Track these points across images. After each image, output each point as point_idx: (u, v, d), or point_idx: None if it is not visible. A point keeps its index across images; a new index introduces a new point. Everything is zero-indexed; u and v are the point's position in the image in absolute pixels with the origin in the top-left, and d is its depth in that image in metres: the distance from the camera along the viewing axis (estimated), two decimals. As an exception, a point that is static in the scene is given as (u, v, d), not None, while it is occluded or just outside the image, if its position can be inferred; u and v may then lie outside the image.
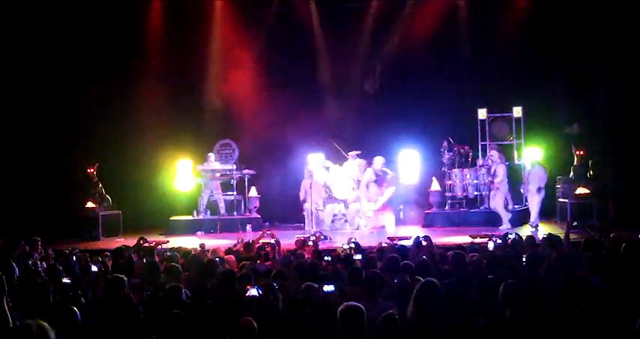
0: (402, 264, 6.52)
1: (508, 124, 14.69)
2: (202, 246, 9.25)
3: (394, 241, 9.22)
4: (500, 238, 8.79)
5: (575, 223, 8.28)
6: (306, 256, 8.17)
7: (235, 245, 9.68)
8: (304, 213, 14.17)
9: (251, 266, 7.18)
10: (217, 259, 7.57)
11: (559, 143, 14.31)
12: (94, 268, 6.89)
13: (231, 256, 8.21)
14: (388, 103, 15.42)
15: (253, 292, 5.07)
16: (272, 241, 9.02)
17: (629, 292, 4.94)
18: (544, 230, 11.96)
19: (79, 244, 11.77)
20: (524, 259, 6.74)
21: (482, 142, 14.71)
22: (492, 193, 13.40)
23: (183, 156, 14.99)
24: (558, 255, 6.62)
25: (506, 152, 14.56)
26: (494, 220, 13.49)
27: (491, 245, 7.66)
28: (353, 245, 8.81)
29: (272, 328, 4.70)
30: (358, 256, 7.53)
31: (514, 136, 14.63)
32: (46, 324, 3.35)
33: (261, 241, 9.42)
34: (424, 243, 8.29)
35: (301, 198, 14.29)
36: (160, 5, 15.66)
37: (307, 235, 10.52)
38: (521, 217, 13.51)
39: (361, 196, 13.86)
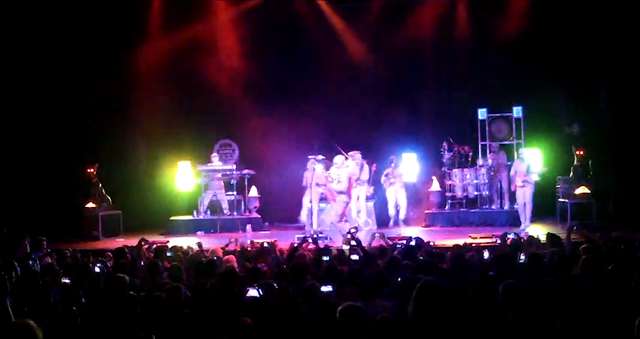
0: (402, 264, 6.53)
1: (508, 124, 14.69)
2: (200, 245, 9.12)
3: (394, 241, 9.22)
4: (499, 238, 8.82)
5: (575, 227, 8.27)
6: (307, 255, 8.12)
7: (227, 245, 9.59)
8: (304, 213, 14.07)
9: (255, 266, 7.17)
10: (216, 258, 7.57)
11: (559, 143, 14.31)
12: (97, 270, 6.88)
13: (231, 256, 8.19)
14: (388, 103, 15.41)
15: (253, 292, 5.03)
16: (265, 243, 8.99)
17: (625, 293, 4.93)
18: (540, 230, 11.90)
19: (79, 244, 11.78)
20: (522, 259, 6.74)
21: (482, 142, 14.71)
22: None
23: (183, 156, 15.00)
24: (557, 255, 6.62)
25: (506, 152, 14.58)
26: (493, 220, 13.50)
27: (486, 255, 7.51)
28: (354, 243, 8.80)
29: (270, 328, 4.69)
30: (355, 257, 7.50)
31: (514, 136, 14.63)
32: (32, 323, 3.28)
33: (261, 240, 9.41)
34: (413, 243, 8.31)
35: (303, 184, 13.91)
36: (160, 5, 15.65)
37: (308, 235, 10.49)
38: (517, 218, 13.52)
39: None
